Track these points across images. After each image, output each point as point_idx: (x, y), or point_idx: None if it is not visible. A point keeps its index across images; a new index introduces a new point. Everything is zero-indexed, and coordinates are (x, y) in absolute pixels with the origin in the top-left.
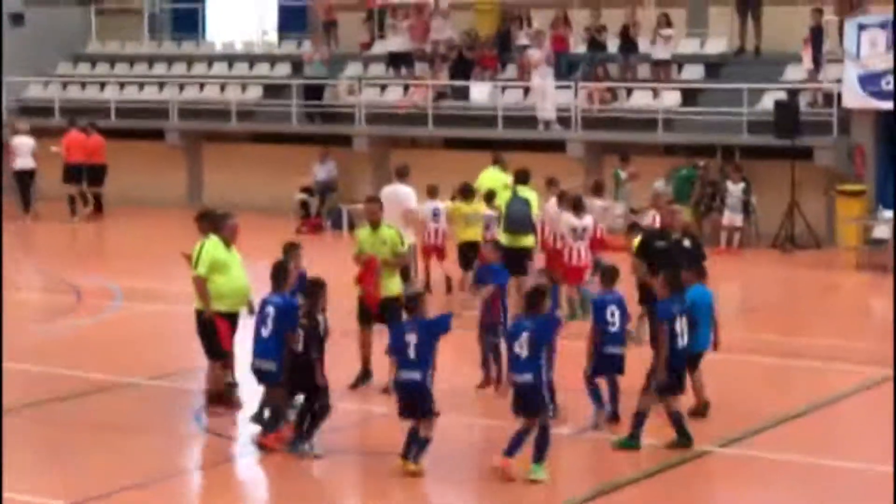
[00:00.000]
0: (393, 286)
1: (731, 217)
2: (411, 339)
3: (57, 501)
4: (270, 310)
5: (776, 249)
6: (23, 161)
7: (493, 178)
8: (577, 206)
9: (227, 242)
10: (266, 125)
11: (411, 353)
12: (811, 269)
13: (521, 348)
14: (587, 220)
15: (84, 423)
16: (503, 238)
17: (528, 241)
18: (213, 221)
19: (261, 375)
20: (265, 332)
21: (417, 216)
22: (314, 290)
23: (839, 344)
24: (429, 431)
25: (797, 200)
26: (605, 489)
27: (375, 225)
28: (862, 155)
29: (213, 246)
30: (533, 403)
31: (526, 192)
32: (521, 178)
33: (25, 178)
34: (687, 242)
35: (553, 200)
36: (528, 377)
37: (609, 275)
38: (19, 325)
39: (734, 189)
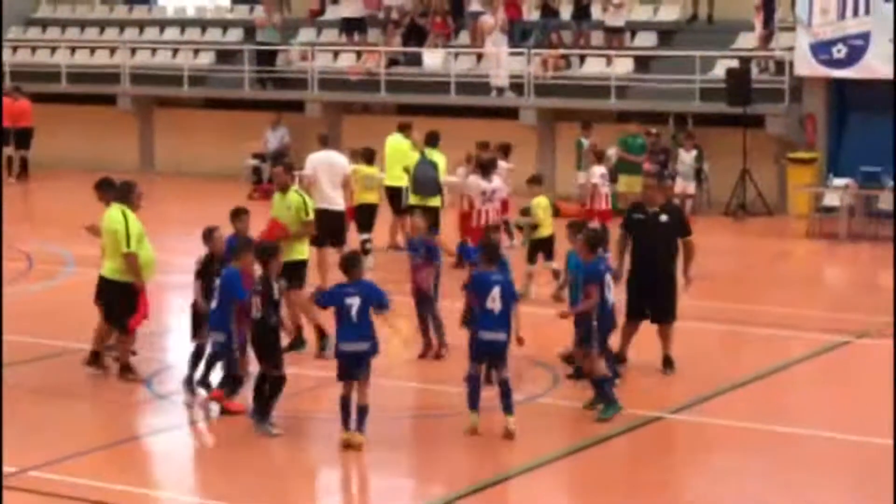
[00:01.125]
0: (296, 252)
1: (684, 185)
2: (353, 302)
3: (7, 467)
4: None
5: (728, 217)
6: None
7: (395, 145)
8: (486, 169)
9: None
10: (218, 91)
11: (354, 318)
12: (762, 237)
13: (494, 302)
14: (496, 183)
15: (34, 388)
16: (411, 199)
17: (435, 201)
18: (121, 191)
19: (214, 346)
20: (213, 304)
21: (352, 181)
22: (266, 255)
23: (790, 311)
24: (366, 399)
25: (749, 168)
26: (558, 455)
27: (283, 189)
28: (813, 123)
29: (132, 218)
30: (505, 358)
31: (434, 155)
32: (431, 141)
33: None
34: (664, 217)
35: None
36: (502, 335)
37: (489, 252)
38: None
39: (686, 157)
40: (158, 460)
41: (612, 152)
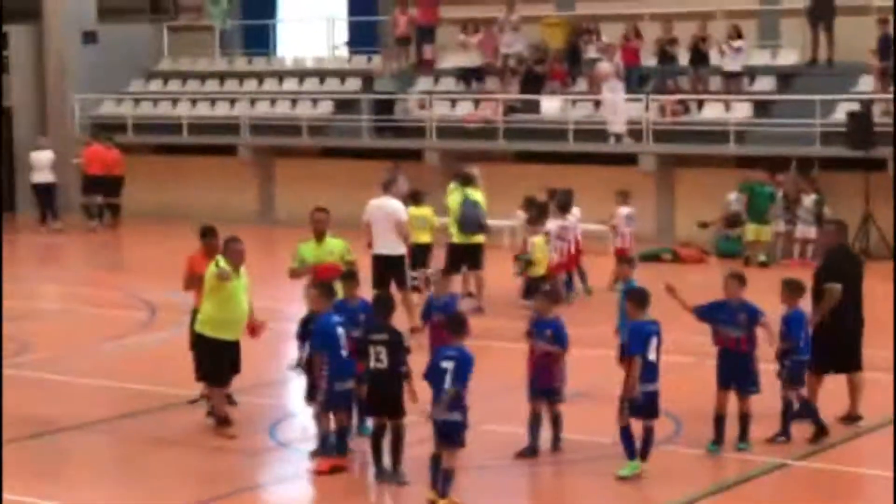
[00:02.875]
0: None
1: (805, 229)
2: (448, 367)
3: None
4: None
5: None
6: (40, 175)
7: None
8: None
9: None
10: (337, 140)
11: (447, 383)
12: (885, 281)
13: (652, 353)
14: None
15: (155, 437)
16: (457, 238)
17: (480, 238)
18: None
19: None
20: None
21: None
22: (386, 305)
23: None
24: (453, 462)
25: (871, 211)
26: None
27: (321, 236)
28: None
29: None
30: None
31: (475, 194)
32: (467, 180)
33: (42, 192)
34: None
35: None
36: (656, 385)
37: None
38: (96, 342)
39: (807, 201)
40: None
41: (733, 198)
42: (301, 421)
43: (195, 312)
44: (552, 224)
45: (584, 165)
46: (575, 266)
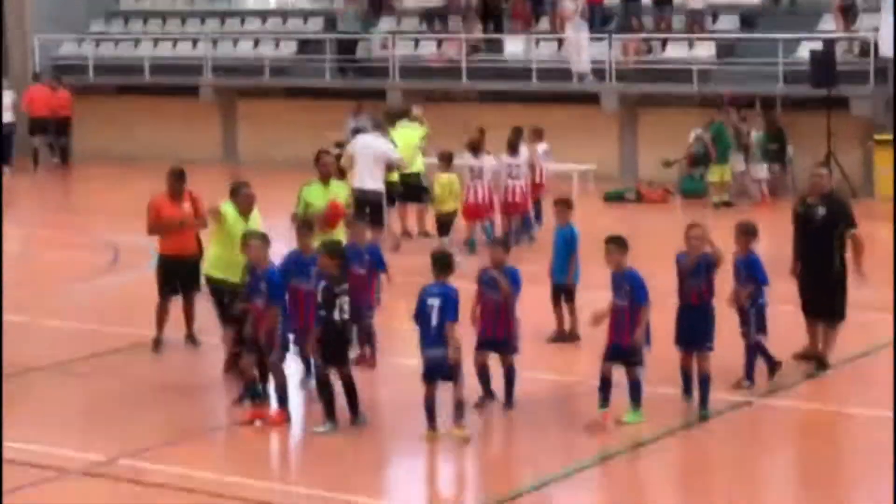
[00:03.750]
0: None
1: (755, 168)
2: (434, 304)
3: (97, 456)
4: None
5: None
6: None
7: (407, 135)
8: (474, 148)
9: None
10: (300, 80)
11: (433, 321)
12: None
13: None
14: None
15: (128, 378)
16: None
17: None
18: (231, 189)
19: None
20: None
21: (403, 165)
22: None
23: (877, 294)
24: (461, 394)
25: (834, 151)
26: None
27: (327, 179)
28: None
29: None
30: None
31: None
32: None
33: (2, 133)
34: (822, 210)
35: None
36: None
37: (440, 263)
38: (62, 284)
39: (756, 137)
40: (246, 452)
41: (694, 137)
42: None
43: (161, 258)
44: (489, 162)
45: (548, 105)
46: (530, 205)
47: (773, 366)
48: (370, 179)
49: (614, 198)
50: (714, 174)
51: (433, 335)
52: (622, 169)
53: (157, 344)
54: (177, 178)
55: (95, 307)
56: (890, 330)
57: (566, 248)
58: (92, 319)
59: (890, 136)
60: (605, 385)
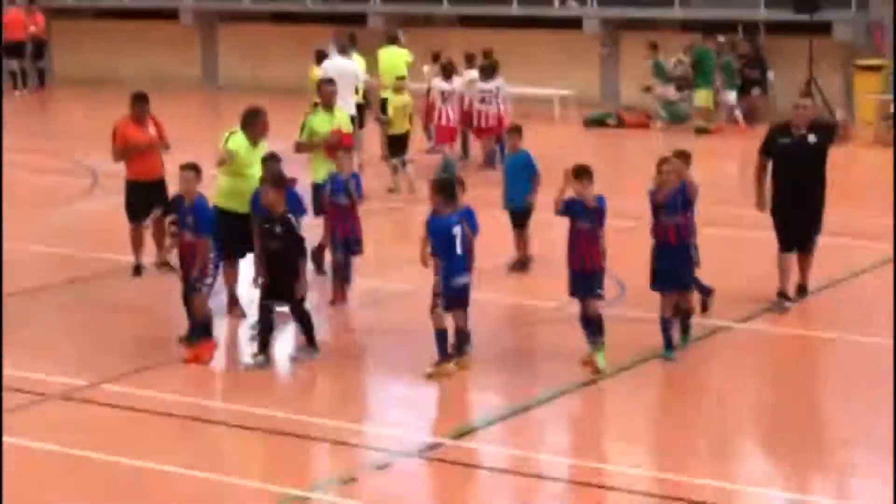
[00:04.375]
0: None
1: (725, 93)
2: (457, 232)
3: (77, 381)
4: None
5: None
6: None
7: (394, 56)
8: (447, 72)
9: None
10: (281, 5)
11: (458, 249)
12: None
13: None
14: (455, 85)
15: (105, 304)
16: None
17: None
18: (242, 116)
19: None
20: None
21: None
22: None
23: (858, 220)
24: (466, 322)
25: (815, 76)
26: (627, 365)
27: (331, 107)
28: (881, 30)
29: (235, 141)
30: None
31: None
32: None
33: None
34: (812, 138)
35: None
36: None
37: (444, 189)
38: (40, 209)
39: (725, 61)
40: (226, 377)
41: (675, 61)
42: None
43: (129, 183)
44: (459, 85)
45: (529, 30)
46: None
47: (709, 294)
48: (342, 103)
49: (595, 123)
50: (700, 98)
51: (462, 262)
52: (603, 94)
53: (138, 270)
54: (140, 102)
55: (74, 232)
56: (869, 256)
57: (520, 173)
58: (71, 245)
59: (870, 62)
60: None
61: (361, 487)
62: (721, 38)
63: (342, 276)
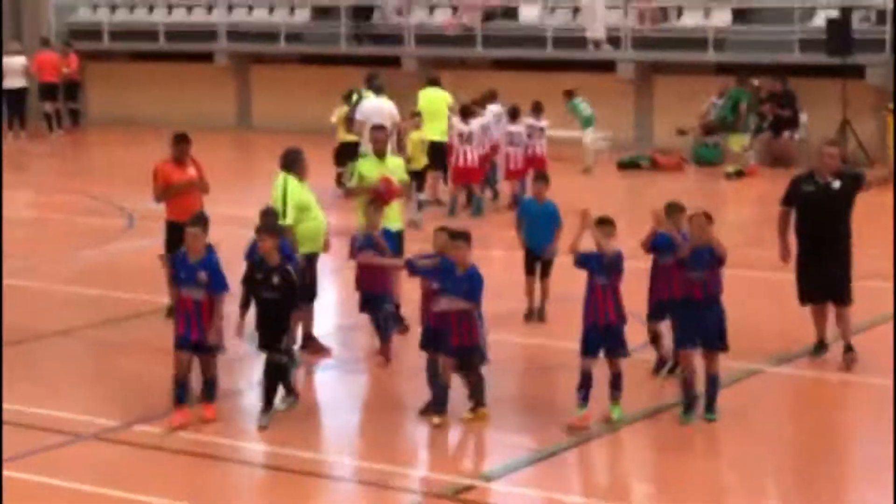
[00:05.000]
0: (399, 220)
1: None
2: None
3: (109, 422)
4: None
5: None
6: (11, 80)
7: (435, 98)
8: (464, 114)
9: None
10: (314, 47)
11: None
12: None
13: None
14: (473, 126)
15: (140, 345)
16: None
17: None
18: (285, 159)
19: None
20: None
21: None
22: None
23: (879, 264)
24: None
25: (849, 119)
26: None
27: (382, 154)
28: None
29: (293, 187)
30: None
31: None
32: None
33: (13, 98)
34: (837, 184)
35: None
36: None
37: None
38: (75, 250)
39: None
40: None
41: (708, 106)
42: None
43: (169, 224)
44: (477, 127)
45: (563, 72)
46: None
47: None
48: None
49: (628, 165)
50: (735, 142)
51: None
52: (637, 137)
53: (172, 311)
54: (181, 143)
55: (109, 272)
56: None
57: (547, 223)
58: (105, 285)
59: None
60: (587, 381)
61: None
62: (755, 82)
63: (385, 333)
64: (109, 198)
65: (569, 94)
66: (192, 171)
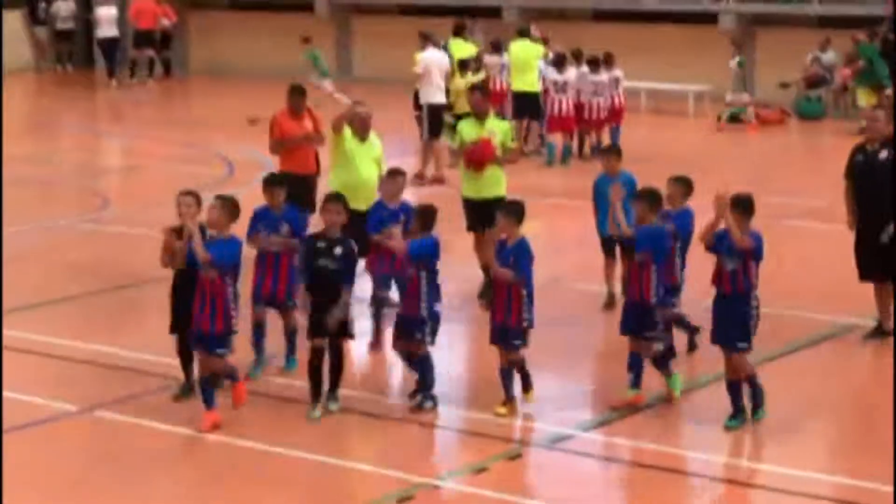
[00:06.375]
0: (500, 186)
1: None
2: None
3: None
4: None
5: None
6: (104, 30)
7: (523, 49)
8: (557, 64)
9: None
10: None
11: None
12: None
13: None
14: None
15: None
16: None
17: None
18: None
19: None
20: None
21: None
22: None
23: None
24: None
25: None
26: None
27: (480, 115)
28: None
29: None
30: None
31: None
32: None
33: (108, 47)
34: (885, 153)
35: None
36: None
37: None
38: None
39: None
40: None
41: (811, 58)
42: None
43: (286, 176)
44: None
45: (663, 24)
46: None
47: (695, 332)
48: (440, 93)
49: (731, 119)
50: (863, 97)
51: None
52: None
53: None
54: (297, 95)
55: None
56: None
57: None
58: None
59: None
60: (636, 363)
61: (492, 477)
62: (861, 36)
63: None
64: (207, 145)
65: (306, 42)
66: (307, 124)
